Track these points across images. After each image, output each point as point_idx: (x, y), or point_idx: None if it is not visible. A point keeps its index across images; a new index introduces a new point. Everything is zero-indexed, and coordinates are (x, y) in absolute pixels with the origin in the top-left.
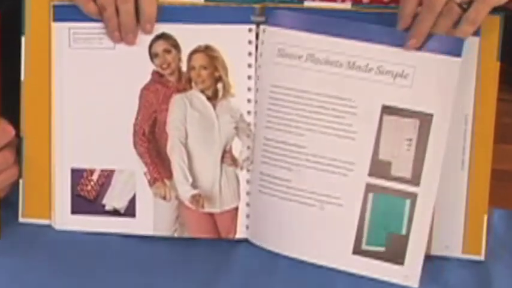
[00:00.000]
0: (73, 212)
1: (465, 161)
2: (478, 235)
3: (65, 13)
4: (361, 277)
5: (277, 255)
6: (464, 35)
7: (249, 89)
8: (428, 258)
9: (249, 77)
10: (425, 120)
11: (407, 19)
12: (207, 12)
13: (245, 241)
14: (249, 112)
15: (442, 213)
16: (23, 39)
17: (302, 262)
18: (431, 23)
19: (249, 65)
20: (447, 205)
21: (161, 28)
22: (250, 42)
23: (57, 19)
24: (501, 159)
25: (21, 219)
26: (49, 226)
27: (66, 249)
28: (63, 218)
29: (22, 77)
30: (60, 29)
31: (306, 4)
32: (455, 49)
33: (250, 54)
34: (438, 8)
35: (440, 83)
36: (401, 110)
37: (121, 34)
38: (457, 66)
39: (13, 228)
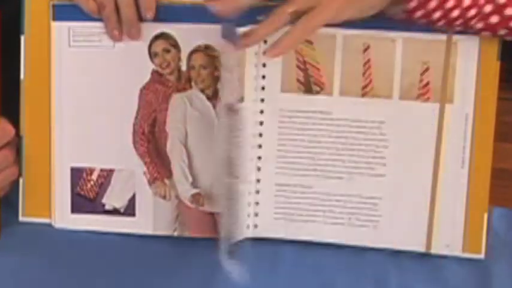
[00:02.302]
0: (73, 211)
1: (465, 160)
2: (478, 234)
3: (65, 12)
4: (361, 276)
5: (277, 255)
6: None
7: (255, 90)
8: (428, 256)
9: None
10: None
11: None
12: (207, 12)
13: (245, 241)
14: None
15: (442, 212)
16: (22, 38)
17: (302, 262)
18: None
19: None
20: (447, 203)
21: (161, 27)
22: None
23: (56, 18)
24: (501, 158)
25: (21, 219)
26: (49, 225)
27: (67, 248)
28: (63, 217)
29: (21, 76)
30: (60, 28)
31: None
32: None
33: (255, 54)
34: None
35: None
36: None
37: (123, 29)
38: None
39: (13, 227)
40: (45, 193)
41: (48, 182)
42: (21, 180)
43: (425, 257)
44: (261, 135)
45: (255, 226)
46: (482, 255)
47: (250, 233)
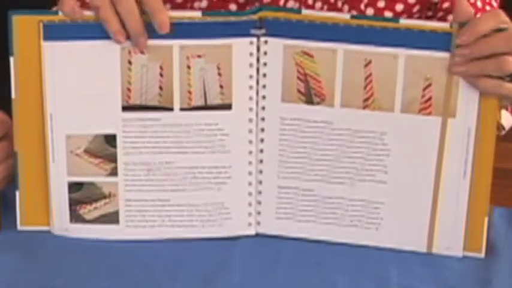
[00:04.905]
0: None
1: (467, 171)
2: (479, 237)
3: (55, 31)
4: (362, 276)
5: (277, 254)
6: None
7: (251, 99)
8: (429, 255)
9: (250, 87)
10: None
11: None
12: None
13: (245, 240)
14: (250, 120)
15: (443, 220)
16: (11, 59)
17: (303, 261)
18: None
19: (250, 76)
20: (448, 212)
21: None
22: (251, 54)
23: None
24: (502, 158)
25: (20, 228)
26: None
27: (68, 248)
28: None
29: (13, 96)
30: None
31: (304, 13)
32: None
33: (251, 65)
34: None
35: None
36: None
37: (132, 41)
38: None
39: (14, 226)
40: (42, 204)
41: (45, 195)
42: (17, 193)
43: (426, 256)
44: (262, 140)
45: (258, 223)
46: (482, 255)
47: (252, 230)
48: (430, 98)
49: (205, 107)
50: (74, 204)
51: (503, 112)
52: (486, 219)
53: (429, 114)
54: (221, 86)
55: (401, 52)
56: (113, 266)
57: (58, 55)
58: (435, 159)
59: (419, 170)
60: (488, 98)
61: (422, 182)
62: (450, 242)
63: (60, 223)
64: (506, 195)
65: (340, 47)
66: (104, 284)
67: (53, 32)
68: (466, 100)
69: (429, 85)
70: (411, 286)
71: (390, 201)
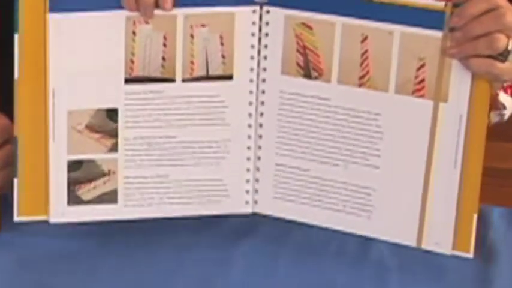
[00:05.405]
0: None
1: (458, 160)
2: (467, 234)
3: (60, 2)
4: (362, 276)
5: (277, 254)
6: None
7: (252, 69)
8: (429, 256)
9: (252, 58)
10: None
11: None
12: None
13: (246, 240)
14: (251, 92)
15: (433, 211)
16: (16, 37)
17: (302, 262)
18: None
19: (252, 46)
20: (438, 202)
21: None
22: (253, 23)
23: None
24: (502, 158)
25: (16, 219)
26: (49, 224)
27: (67, 248)
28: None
29: (16, 76)
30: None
31: None
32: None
33: (253, 35)
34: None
35: None
36: None
37: (140, 12)
38: None
39: (12, 225)
40: (40, 191)
41: (43, 180)
42: (15, 181)
43: (425, 256)
44: (262, 114)
45: (255, 202)
46: (470, 254)
47: (249, 208)
48: (423, 80)
49: (207, 77)
50: (72, 184)
51: (502, 94)
52: (475, 217)
53: (422, 96)
54: (223, 56)
55: (397, 28)
56: (113, 266)
57: (63, 27)
58: (426, 145)
59: (411, 156)
60: (480, 82)
61: (414, 169)
62: (439, 238)
63: (57, 206)
64: (506, 195)
65: (339, 20)
66: (103, 284)
67: (59, 3)
68: (458, 84)
69: (423, 65)
70: (411, 286)
71: (382, 188)
